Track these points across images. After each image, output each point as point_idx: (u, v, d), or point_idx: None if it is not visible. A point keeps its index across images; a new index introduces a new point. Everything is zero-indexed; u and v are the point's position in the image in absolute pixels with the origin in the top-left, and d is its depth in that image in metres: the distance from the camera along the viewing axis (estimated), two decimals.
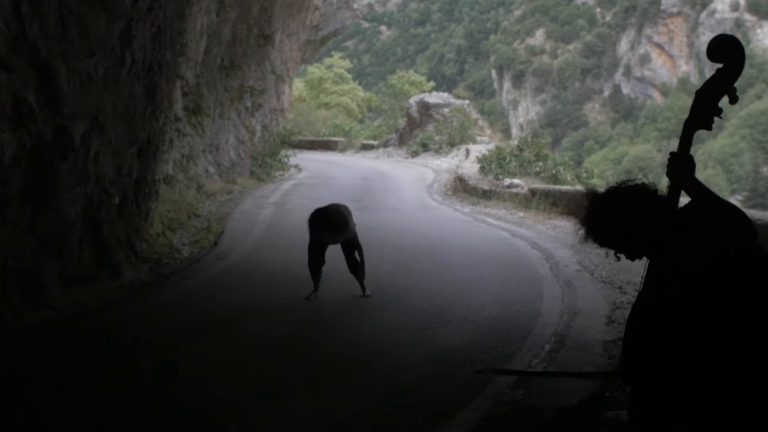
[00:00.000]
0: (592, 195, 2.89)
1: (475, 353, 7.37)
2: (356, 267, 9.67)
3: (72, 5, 8.79)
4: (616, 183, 2.89)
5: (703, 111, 2.75)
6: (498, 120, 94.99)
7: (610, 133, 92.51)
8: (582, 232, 2.90)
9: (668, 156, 2.75)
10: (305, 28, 28.00)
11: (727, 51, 2.76)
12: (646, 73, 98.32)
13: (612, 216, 2.81)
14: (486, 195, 20.44)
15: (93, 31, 9.28)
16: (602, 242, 2.89)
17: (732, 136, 72.88)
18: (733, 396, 2.55)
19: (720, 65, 2.76)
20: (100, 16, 9.40)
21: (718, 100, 2.77)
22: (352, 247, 9.65)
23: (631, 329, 2.75)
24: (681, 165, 2.71)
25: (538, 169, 22.22)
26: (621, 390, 6.23)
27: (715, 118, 2.77)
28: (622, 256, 2.98)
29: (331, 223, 9.45)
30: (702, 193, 2.68)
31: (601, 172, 28.25)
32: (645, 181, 2.87)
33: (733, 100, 2.76)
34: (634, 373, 2.70)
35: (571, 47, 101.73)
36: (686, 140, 2.76)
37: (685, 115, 2.80)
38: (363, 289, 9.65)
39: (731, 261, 2.60)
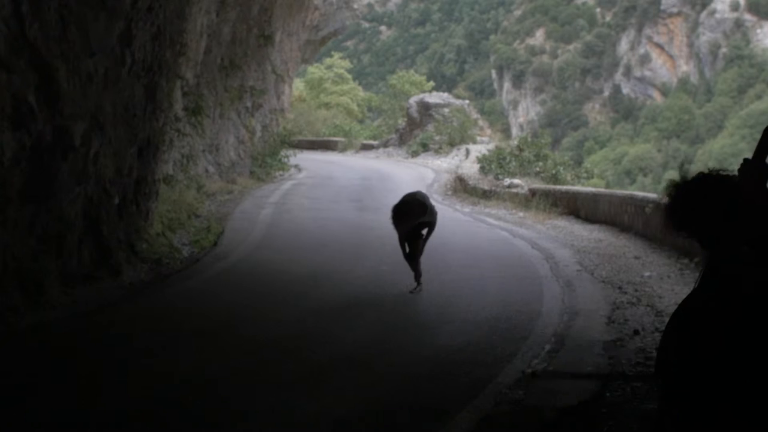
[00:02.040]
0: (680, 179, 2.80)
1: (475, 353, 7.38)
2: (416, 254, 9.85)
3: (72, 5, 8.79)
4: (708, 169, 2.82)
5: None
6: (498, 120, 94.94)
7: (610, 133, 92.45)
8: (665, 213, 2.81)
9: (742, 161, 2.70)
10: (305, 28, 28.00)
11: None
12: (646, 73, 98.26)
13: (698, 198, 2.72)
14: (486, 195, 20.45)
15: (93, 31, 9.28)
16: (683, 225, 2.78)
17: (732, 136, 72.83)
18: (759, 403, 2.51)
19: None
20: (100, 16, 9.40)
21: None
22: (421, 229, 9.91)
23: (675, 328, 2.69)
24: (754, 172, 2.66)
25: (538, 169, 22.23)
26: (621, 390, 6.23)
27: None
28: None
29: (411, 214, 9.83)
30: None
31: (601, 172, 28.25)
32: (733, 173, 2.80)
33: None
34: (672, 374, 2.65)
35: (571, 47, 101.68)
36: (763, 148, 2.71)
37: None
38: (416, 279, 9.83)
39: None
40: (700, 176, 2.76)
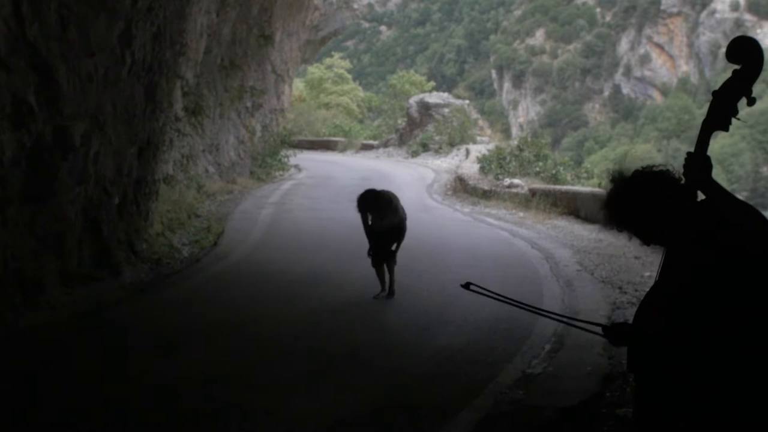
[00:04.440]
0: (616, 176, 2.86)
1: (475, 353, 7.38)
2: (389, 259, 9.66)
3: (72, 5, 8.79)
4: (642, 167, 2.86)
5: (720, 112, 2.74)
6: (498, 120, 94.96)
7: (610, 133, 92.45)
8: (605, 213, 2.86)
9: (685, 155, 2.74)
10: (305, 28, 27.99)
11: (745, 53, 2.74)
12: (646, 73, 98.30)
13: (633, 198, 2.78)
14: (486, 195, 20.44)
15: (93, 31, 9.28)
16: (622, 224, 2.85)
17: (732, 136, 72.74)
18: (734, 395, 2.54)
19: (738, 66, 2.74)
20: (100, 16, 9.40)
21: (736, 101, 2.75)
22: (393, 236, 9.68)
23: (639, 319, 2.73)
24: (697, 165, 2.69)
25: (538, 169, 22.21)
26: (621, 390, 6.23)
27: (733, 119, 2.76)
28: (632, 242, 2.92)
29: (377, 202, 9.53)
30: (718, 194, 2.66)
31: (601, 172, 28.19)
32: (670, 168, 2.85)
33: (751, 102, 2.75)
34: (639, 365, 2.69)
35: (571, 47, 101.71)
36: (703, 140, 2.76)
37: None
38: (390, 286, 9.67)
39: (742, 262, 2.57)
40: (637, 174, 2.81)
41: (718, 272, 2.60)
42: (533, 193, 18.94)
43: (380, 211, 9.58)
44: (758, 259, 2.58)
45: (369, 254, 9.70)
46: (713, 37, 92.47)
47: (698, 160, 2.70)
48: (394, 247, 9.71)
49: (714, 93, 2.78)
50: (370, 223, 9.64)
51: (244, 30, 20.64)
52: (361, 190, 9.77)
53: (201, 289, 10.34)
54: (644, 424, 2.72)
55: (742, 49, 2.75)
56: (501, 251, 13.31)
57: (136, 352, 7.42)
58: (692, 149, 2.76)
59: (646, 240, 2.82)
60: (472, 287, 3.12)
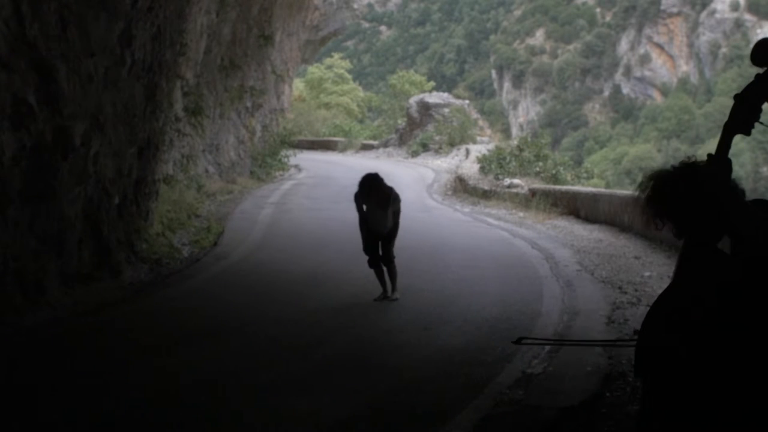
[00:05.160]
0: (662, 172, 2.78)
1: (475, 353, 7.38)
2: (386, 262, 9.58)
3: (72, 5, 8.79)
4: (687, 157, 2.80)
5: (742, 116, 2.71)
6: (498, 120, 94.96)
7: (610, 133, 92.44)
8: (649, 197, 2.78)
9: (705, 158, 2.71)
10: (305, 28, 27.99)
11: None
12: (646, 73, 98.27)
13: (686, 187, 2.69)
14: (486, 195, 20.45)
15: (93, 31, 9.28)
16: (666, 212, 2.73)
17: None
18: (742, 400, 2.53)
19: (761, 70, 2.71)
20: (100, 16, 9.40)
21: (759, 105, 2.72)
22: (387, 229, 9.62)
23: (651, 321, 2.70)
24: (717, 168, 2.67)
25: (538, 169, 22.23)
26: (621, 390, 6.23)
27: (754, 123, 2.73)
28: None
29: (378, 189, 9.45)
30: (735, 200, 2.64)
31: (601, 172, 28.22)
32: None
33: None
34: (648, 367, 2.68)
35: (571, 47, 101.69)
36: (724, 144, 2.72)
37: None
38: (392, 289, 9.61)
39: (760, 270, 2.55)
40: (676, 168, 2.76)
41: (743, 286, 2.56)
42: (533, 193, 18.95)
43: (379, 197, 9.53)
44: None
45: (365, 251, 9.68)
46: (713, 37, 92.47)
47: (719, 164, 2.68)
48: (386, 249, 9.64)
49: (736, 96, 2.75)
50: (365, 209, 9.59)
51: (244, 30, 20.65)
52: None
53: (201, 289, 10.34)
54: (648, 426, 2.70)
55: (767, 52, 2.72)
56: (501, 251, 13.31)
57: (136, 351, 7.42)
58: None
59: (682, 231, 2.71)
60: (524, 341, 3.08)
